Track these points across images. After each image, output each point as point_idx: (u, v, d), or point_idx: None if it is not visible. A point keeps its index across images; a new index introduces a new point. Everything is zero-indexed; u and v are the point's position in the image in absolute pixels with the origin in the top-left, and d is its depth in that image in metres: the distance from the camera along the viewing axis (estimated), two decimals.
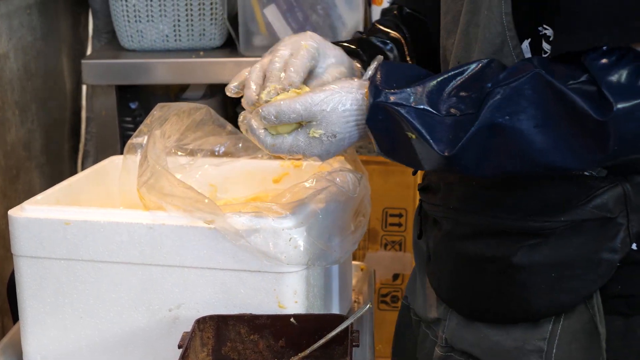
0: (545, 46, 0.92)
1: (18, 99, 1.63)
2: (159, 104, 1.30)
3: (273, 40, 1.81)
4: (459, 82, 0.89)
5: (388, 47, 1.12)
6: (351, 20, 1.82)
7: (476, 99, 0.86)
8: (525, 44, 0.92)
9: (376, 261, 1.90)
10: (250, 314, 1.02)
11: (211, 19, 1.88)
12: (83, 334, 1.09)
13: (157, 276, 1.05)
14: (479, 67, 0.89)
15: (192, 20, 1.88)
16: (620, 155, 0.86)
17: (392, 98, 0.87)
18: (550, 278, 0.97)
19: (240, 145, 1.35)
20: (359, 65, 1.06)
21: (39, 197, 1.12)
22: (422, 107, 0.87)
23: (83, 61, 1.84)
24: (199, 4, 1.86)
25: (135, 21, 1.82)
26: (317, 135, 0.91)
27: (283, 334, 1.01)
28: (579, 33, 0.85)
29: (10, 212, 1.04)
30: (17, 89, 1.64)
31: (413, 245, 1.25)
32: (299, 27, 1.84)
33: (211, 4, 1.86)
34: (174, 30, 1.87)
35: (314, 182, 1.12)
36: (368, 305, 1.03)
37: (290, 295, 1.02)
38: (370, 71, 0.93)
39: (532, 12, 0.92)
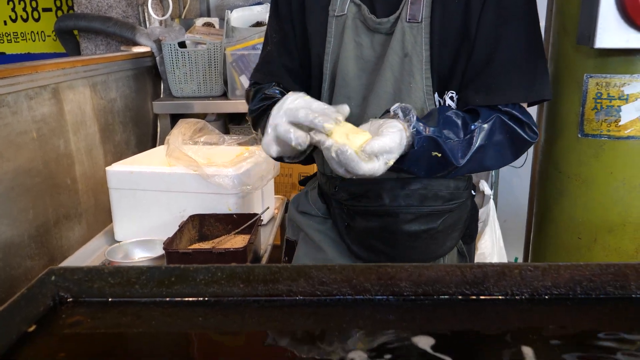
0: (449, 102, 1.09)
1: (121, 120, 2.24)
2: (180, 120, 1.93)
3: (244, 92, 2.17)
4: (455, 123, 1.01)
5: None
6: None
7: (465, 131, 1.01)
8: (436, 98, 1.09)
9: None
10: (215, 213, 1.63)
11: (216, 82, 2.51)
12: (141, 223, 1.70)
13: (174, 196, 1.66)
14: (461, 116, 1.03)
15: (207, 82, 2.51)
16: None
17: (429, 132, 0.97)
18: (449, 234, 1.20)
19: (221, 139, 1.94)
20: None
21: (120, 162, 1.76)
22: (444, 137, 0.99)
23: (154, 102, 2.50)
24: (210, 76, 2.49)
25: (179, 83, 2.50)
26: (391, 164, 0.94)
27: (230, 222, 1.61)
28: (499, 95, 1.04)
29: (107, 168, 1.71)
30: (121, 115, 2.23)
31: (315, 230, 1.30)
32: None
33: (216, 76, 2.49)
34: (198, 87, 2.52)
35: (249, 155, 1.74)
36: (267, 208, 1.77)
37: (232, 204, 1.65)
38: (410, 116, 0.96)
39: (440, 85, 1.08)
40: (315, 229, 1.30)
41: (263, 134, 1.03)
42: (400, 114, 0.96)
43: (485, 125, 1.02)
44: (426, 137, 0.97)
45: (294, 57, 1.22)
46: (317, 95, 1.12)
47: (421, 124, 0.97)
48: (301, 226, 1.33)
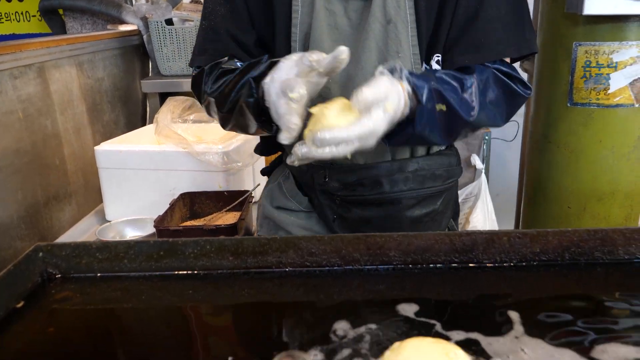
0: (436, 67, 1.00)
1: (110, 100, 2.24)
2: (169, 98, 1.90)
3: None
4: (448, 81, 0.93)
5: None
6: None
7: (462, 87, 0.93)
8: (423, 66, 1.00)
9: None
10: (206, 191, 1.62)
11: None
12: (131, 202, 1.69)
13: (164, 174, 1.65)
14: (452, 74, 0.95)
15: None
16: None
17: (432, 83, 0.88)
18: (445, 214, 1.16)
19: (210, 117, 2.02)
20: None
21: (108, 141, 1.75)
22: (444, 89, 0.90)
23: (142, 81, 2.47)
24: None
25: (167, 61, 2.45)
26: (390, 111, 0.81)
27: (221, 200, 1.60)
28: (488, 51, 0.97)
29: (95, 147, 1.69)
30: (109, 95, 2.22)
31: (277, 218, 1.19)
32: None
33: None
34: (186, 65, 2.41)
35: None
36: (258, 184, 1.76)
37: (223, 181, 1.64)
38: (398, 70, 0.86)
39: (427, 51, 1.00)
40: (299, 226, 1.18)
41: (231, 111, 0.95)
42: (387, 73, 0.86)
43: (482, 79, 0.95)
44: (430, 89, 0.87)
45: (247, 32, 1.06)
46: (257, 63, 0.98)
47: (414, 76, 0.87)
48: (281, 224, 1.20)
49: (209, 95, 1.03)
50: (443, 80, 0.92)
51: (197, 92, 1.09)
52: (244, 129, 1.02)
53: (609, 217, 1.25)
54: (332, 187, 1.08)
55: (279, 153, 1.22)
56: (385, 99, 0.80)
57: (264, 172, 1.28)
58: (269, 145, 1.19)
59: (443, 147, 1.09)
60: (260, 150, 1.21)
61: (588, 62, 1.17)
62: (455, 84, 0.92)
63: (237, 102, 0.96)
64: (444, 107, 0.88)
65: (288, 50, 1.02)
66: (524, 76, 2.03)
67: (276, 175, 1.23)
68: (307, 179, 1.13)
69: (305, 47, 1.01)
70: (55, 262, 0.84)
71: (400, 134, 0.87)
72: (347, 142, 0.79)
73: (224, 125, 1.06)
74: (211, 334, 0.73)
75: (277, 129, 0.86)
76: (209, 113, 1.08)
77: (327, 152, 0.79)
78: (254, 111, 0.94)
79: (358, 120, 0.79)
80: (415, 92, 0.85)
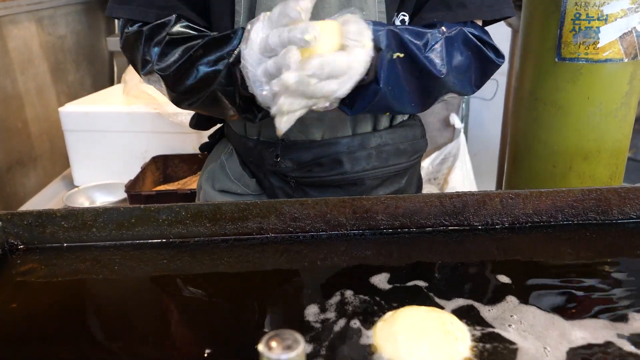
0: (397, 23, 0.89)
1: (74, 58, 2.15)
2: None
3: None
4: (415, 34, 0.82)
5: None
6: None
7: (422, 40, 0.82)
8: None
9: None
10: (180, 153, 1.61)
11: None
12: (100, 166, 1.65)
13: (134, 137, 1.61)
14: (418, 28, 0.84)
15: None
16: None
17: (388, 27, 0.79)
18: (409, 191, 1.05)
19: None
20: None
21: (74, 102, 1.69)
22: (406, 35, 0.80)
23: (108, 38, 2.39)
24: None
25: None
26: (368, 48, 0.72)
27: (196, 162, 1.59)
28: (461, 10, 0.88)
29: (60, 109, 1.63)
30: (73, 53, 2.12)
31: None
32: None
33: None
34: None
35: None
36: None
37: (197, 143, 1.58)
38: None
39: (392, 9, 0.90)
40: None
41: (194, 95, 0.81)
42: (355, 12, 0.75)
43: (450, 36, 0.83)
44: (387, 30, 0.76)
45: None
46: (228, 38, 0.81)
47: (371, 22, 0.76)
48: None
49: (159, 71, 0.84)
50: (404, 29, 0.81)
51: (131, 56, 0.90)
52: (215, 115, 0.88)
53: (594, 176, 1.22)
54: (284, 168, 0.96)
55: (219, 125, 1.09)
56: (365, 28, 0.72)
57: (202, 148, 1.14)
58: (207, 117, 1.05)
59: (406, 117, 1.00)
60: (195, 123, 1.07)
61: (578, 15, 1.13)
62: (419, 37, 0.81)
63: (205, 90, 0.82)
64: (400, 55, 0.78)
65: (231, 6, 0.88)
66: (508, 32, 1.98)
67: (218, 152, 1.08)
68: (254, 157, 0.99)
69: (252, 1, 0.88)
70: (17, 232, 0.78)
71: (364, 94, 0.76)
72: (341, 72, 0.69)
73: (178, 103, 0.89)
74: (187, 306, 0.68)
75: (262, 115, 0.77)
76: (150, 83, 0.90)
77: (323, 85, 0.68)
78: (231, 100, 0.81)
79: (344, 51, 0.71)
80: (374, 39, 0.74)
